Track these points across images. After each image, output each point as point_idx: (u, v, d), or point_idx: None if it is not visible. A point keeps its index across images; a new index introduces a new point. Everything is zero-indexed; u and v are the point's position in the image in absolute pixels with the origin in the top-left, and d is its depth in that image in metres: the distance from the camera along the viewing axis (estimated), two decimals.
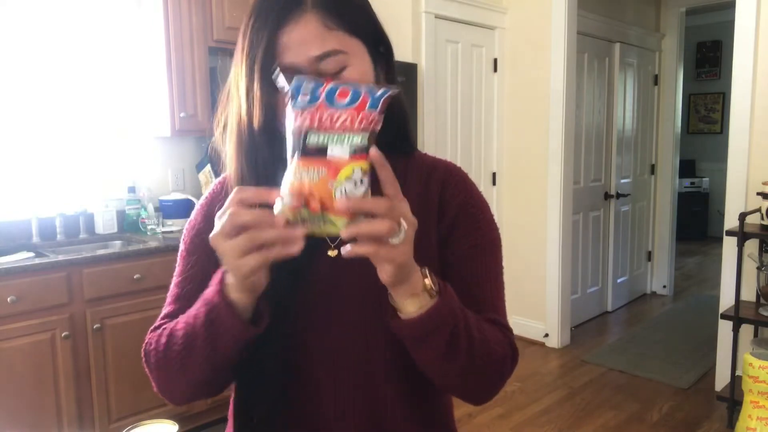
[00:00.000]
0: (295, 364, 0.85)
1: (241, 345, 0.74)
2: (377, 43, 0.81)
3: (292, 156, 0.63)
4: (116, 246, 2.81)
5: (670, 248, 5.13)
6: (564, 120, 3.80)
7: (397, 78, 0.86)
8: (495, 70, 4.05)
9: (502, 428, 2.90)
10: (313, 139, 0.62)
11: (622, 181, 4.71)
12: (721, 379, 3.15)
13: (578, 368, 3.62)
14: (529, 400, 3.19)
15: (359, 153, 0.62)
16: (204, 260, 0.86)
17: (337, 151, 0.62)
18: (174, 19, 2.87)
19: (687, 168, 7.46)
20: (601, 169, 4.53)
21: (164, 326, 0.81)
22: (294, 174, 0.62)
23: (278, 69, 0.72)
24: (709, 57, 7.58)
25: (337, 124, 0.62)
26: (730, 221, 3.00)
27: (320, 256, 0.82)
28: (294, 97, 0.63)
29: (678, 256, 5.58)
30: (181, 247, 0.90)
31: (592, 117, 4.36)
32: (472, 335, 0.75)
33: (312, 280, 0.83)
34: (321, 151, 0.62)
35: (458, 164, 0.95)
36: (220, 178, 0.94)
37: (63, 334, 2.37)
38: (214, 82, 3.10)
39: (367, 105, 0.63)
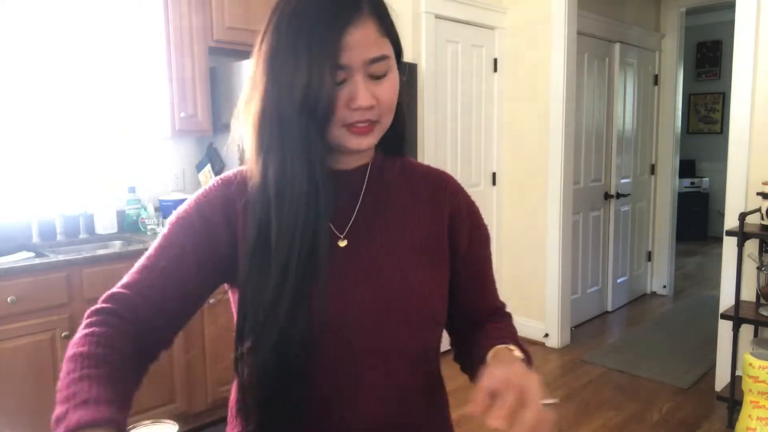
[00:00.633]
0: (310, 358, 0.85)
1: None
2: (399, 52, 0.86)
3: None
4: (116, 246, 2.81)
5: (670, 248, 5.13)
6: (564, 120, 3.80)
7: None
8: (495, 70, 4.05)
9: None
10: None
11: (622, 181, 4.71)
12: (721, 379, 3.15)
13: (578, 368, 3.62)
14: None
15: None
16: (179, 251, 0.86)
17: None
18: (174, 19, 2.87)
19: (687, 168, 7.46)
20: (601, 169, 4.53)
21: (93, 330, 0.81)
22: None
23: None
24: (709, 57, 7.58)
25: None
26: (730, 221, 3.00)
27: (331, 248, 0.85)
28: None
29: (678, 256, 5.58)
30: (165, 228, 0.90)
31: (592, 117, 4.36)
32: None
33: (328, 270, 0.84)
34: None
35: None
36: (221, 177, 0.93)
37: (63, 334, 2.37)
38: (214, 82, 3.10)
39: None
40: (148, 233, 2.94)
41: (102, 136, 3.03)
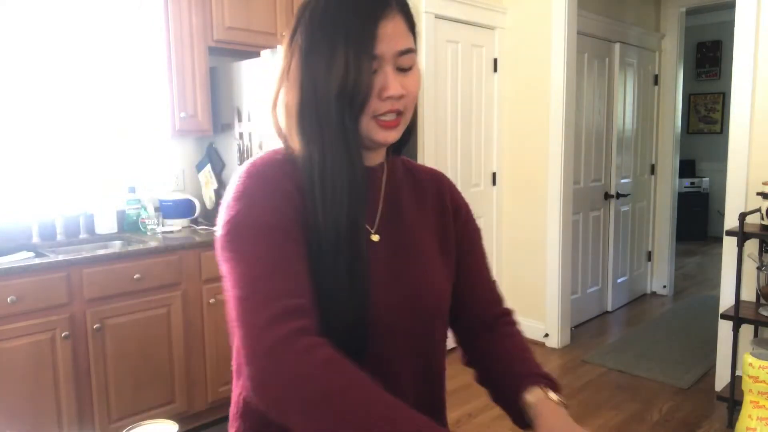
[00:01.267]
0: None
1: None
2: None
3: None
4: (116, 246, 2.81)
5: (670, 248, 5.13)
6: (564, 120, 3.80)
7: None
8: (495, 70, 4.05)
9: (502, 428, 2.89)
10: None
11: (622, 181, 4.71)
12: (721, 379, 3.15)
13: (578, 368, 3.62)
14: None
15: None
16: (297, 247, 0.81)
17: None
18: (174, 19, 2.87)
19: (687, 168, 7.46)
20: (601, 169, 4.53)
21: (332, 355, 0.73)
22: None
23: None
24: (709, 57, 7.58)
25: None
26: (730, 221, 3.00)
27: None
28: None
29: (678, 256, 5.59)
30: (272, 215, 0.80)
31: (592, 117, 4.36)
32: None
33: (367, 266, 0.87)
34: None
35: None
36: (268, 151, 0.89)
37: (63, 334, 2.37)
38: (214, 82, 3.10)
39: None
40: (148, 233, 2.94)
41: (102, 136, 3.03)
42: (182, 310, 2.69)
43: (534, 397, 0.89)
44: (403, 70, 0.83)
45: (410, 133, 0.95)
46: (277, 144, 0.91)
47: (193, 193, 3.23)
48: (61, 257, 2.41)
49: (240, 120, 3.01)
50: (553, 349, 3.93)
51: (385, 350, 0.88)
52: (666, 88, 5.00)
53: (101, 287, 2.47)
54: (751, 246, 2.93)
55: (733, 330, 2.79)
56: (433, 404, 0.98)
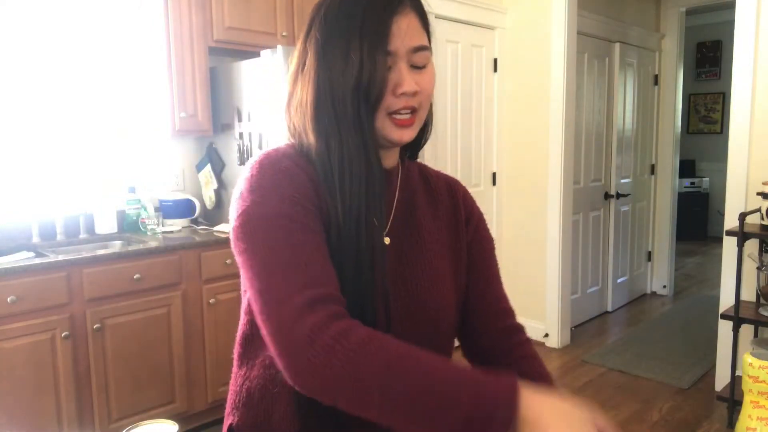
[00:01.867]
0: None
1: None
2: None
3: None
4: (116, 246, 2.81)
5: (670, 248, 5.13)
6: (564, 120, 3.80)
7: None
8: (495, 70, 4.05)
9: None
10: None
11: (622, 181, 4.71)
12: (721, 379, 3.15)
13: (578, 368, 3.62)
14: None
15: None
16: (319, 237, 0.80)
17: None
18: (174, 19, 2.87)
19: (687, 168, 7.46)
20: (601, 169, 4.53)
21: (370, 333, 0.72)
22: None
23: None
24: (709, 57, 7.58)
25: None
26: (730, 221, 3.00)
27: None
28: None
29: (678, 256, 5.58)
30: (294, 208, 0.78)
31: (592, 117, 4.36)
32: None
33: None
34: None
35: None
36: (280, 146, 0.88)
37: (63, 334, 2.37)
38: (214, 82, 3.10)
39: None
40: (148, 233, 2.94)
41: (102, 136, 3.02)
42: (182, 310, 2.69)
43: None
44: (417, 67, 0.83)
45: (424, 136, 0.95)
46: (280, 144, 0.90)
47: (193, 193, 3.23)
48: (61, 257, 2.41)
49: (240, 120, 3.00)
50: (553, 349, 3.93)
51: None
52: (666, 88, 5.00)
53: (101, 287, 2.47)
54: (751, 246, 2.93)
55: (733, 330, 2.79)
56: None
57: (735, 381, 2.73)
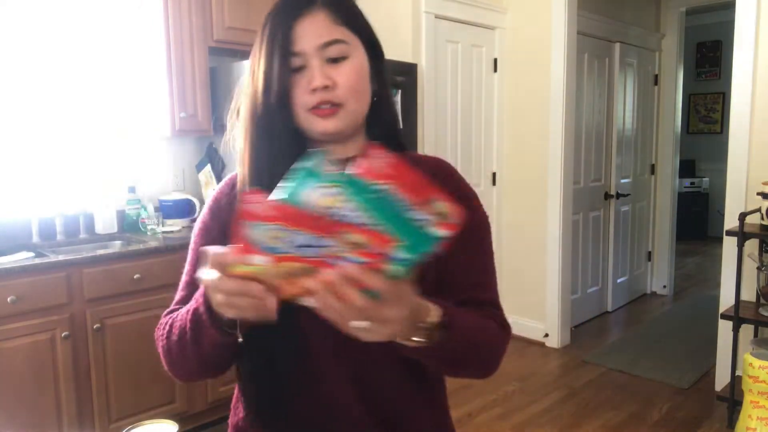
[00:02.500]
0: (298, 354, 0.88)
1: (222, 347, 0.82)
2: (372, 45, 0.92)
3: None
4: (116, 246, 2.81)
5: (670, 248, 5.13)
6: (564, 120, 3.80)
7: (389, 79, 0.95)
8: (495, 70, 4.05)
9: (502, 428, 2.90)
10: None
11: (622, 181, 4.71)
12: (721, 379, 3.15)
13: (578, 368, 3.62)
14: (529, 400, 3.18)
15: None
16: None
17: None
18: (174, 19, 2.87)
19: (687, 168, 7.46)
20: (601, 169, 4.53)
21: (172, 314, 0.90)
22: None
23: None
24: (709, 57, 7.58)
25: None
26: (730, 221, 2.99)
27: None
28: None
29: (678, 256, 5.58)
30: (192, 239, 0.97)
31: (592, 117, 4.36)
32: (477, 343, 0.84)
33: None
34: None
35: (458, 164, 0.99)
36: (227, 178, 0.99)
37: (63, 334, 2.37)
38: (214, 82, 3.10)
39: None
40: (148, 233, 2.94)
41: (102, 136, 3.02)
42: None
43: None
44: (333, 60, 0.86)
45: (393, 125, 0.96)
46: None
47: (193, 193, 3.23)
48: (61, 257, 2.41)
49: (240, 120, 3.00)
50: (553, 349, 3.93)
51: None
52: (666, 88, 5.00)
53: (101, 287, 2.47)
54: (751, 246, 2.93)
55: (733, 330, 2.79)
56: (433, 407, 0.97)
57: (735, 381, 2.73)
